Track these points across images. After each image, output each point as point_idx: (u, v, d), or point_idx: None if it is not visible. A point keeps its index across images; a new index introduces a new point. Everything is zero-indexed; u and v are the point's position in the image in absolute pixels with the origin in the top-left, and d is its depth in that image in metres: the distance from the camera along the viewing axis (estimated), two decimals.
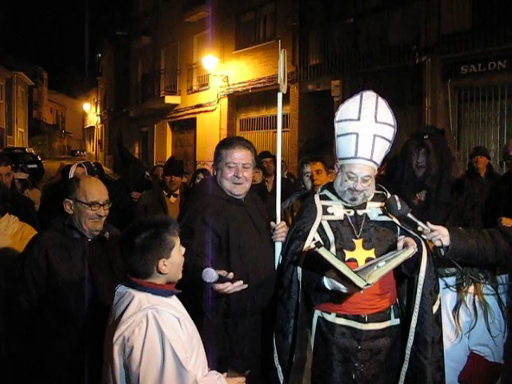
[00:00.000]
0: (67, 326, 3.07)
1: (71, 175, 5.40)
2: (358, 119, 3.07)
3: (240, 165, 3.27)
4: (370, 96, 3.14)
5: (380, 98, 3.14)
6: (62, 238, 3.17)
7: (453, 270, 3.32)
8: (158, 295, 2.39)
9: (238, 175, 3.26)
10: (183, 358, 2.25)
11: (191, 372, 2.26)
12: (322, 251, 2.69)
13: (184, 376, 2.23)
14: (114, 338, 2.28)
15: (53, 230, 3.21)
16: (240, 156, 3.29)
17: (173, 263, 2.43)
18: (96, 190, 3.21)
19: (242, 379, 2.56)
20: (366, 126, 3.04)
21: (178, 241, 2.46)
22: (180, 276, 2.52)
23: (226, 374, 2.52)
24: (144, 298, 2.35)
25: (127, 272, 2.46)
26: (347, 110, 3.13)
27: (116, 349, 2.28)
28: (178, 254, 2.45)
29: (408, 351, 3.00)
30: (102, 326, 2.51)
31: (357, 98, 3.13)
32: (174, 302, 2.47)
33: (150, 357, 2.22)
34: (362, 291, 2.75)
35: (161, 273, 2.40)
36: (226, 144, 3.37)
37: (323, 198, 3.22)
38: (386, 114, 3.12)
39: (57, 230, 3.19)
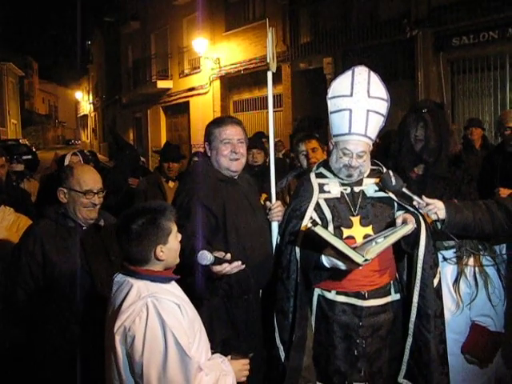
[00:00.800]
0: (65, 315, 3.07)
1: (66, 164, 5.39)
2: (351, 95, 3.04)
3: (235, 140, 3.29)
4: (361, 71, 3.10)
5: (372, 73, 3.11)
6: (56, 227, 3.15)
7: (452, 243, 3.33)
8: (156, 282, 2.37)
9: (236, 150, 3.27)
10: (185, 345, 2.24)
11: (194, 358, 2.25)
12: (319, 229, 2.68)
13: (187, 363, 2.22)
14: (115, 328, 2.27)
15: (47, 220, 3.19)
16: (234, 132, 3.30)
17: (170, 249, 2.41)
18: (90, 179, 3.20)
19: (246, 361, 2.56)
20: (358, 102, 3.02)
21: (174, 227, 2.43)
22: (177, 261, 2.50)
23: (229, 356, 2.52)
24: (143, 286, 2.33)
25: (124, 260, 2.44)
26: (339, 86, 3.10)
27: (118, 339, 2.26)
28: (174, 239, 2.43)
29: (412, 325, 3.01)
30: (101, 314, 2.50)
31: (348, 73, 3.10)
32: (174, 287, 2.45)
33: (153, 345, 2.22)
34: (360, 267, 2.74)
35: (158, 259, 2.38)
36: (217, 122, 3.36)
37: (319, 175, 3.20)
38: (378, 88, 3.09)
39: (51, 220, 3.18)
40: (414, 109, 3.84)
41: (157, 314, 2.25)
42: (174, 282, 2.49)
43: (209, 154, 3.33)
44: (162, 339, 2.22)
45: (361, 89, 3.03)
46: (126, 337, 2.25)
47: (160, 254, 2.37)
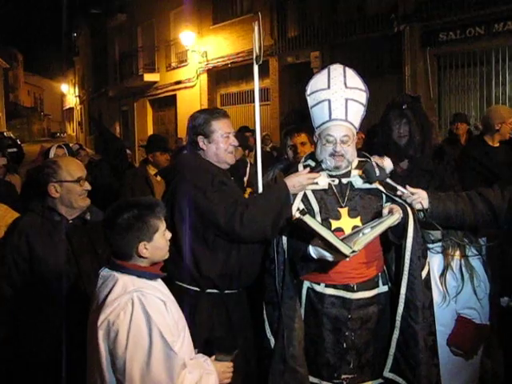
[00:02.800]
0: (51, 309, 3.04)
1: (51, 156, 5.35)
2: (328, 87, 3.11)
3: (232, 134, 3.32)
4: (337, 67, 3.19)
5: (347, 68, 3.18)
6: (42, 221, 3.13)
7: (438, 236, 3.35)
8: (142, 278, 2.34)
9: (234, 144, 3.32)
10: (171, 341, 2.22)
11: (180, 355, 2.23)
12: (307, 218, 2.68)
13: (172, 359, 2.19)
14: (99, 322, 2.23)
15: (32, 214, 3.17)
16: (229, 125, 3.34)
17: (155, 247, 2.37)
18: (77, 166, 3.23)
19: (230, 364, 2.54)
20: (336, 93, 3.08)
21: (162, 224, 2.39)
22: (166, 257, 2.46)
23: (213, 357, 2.51)
24: (129, 281, 2.31)
25: (111, 254, 2.42)
26: (317, 82, 3.18)
27: (101, 333, 2.22)
28: (161, 238, 2.39)
29: (399, 318, 3.02)
30: (86, 308, 2.46)
31: (324, 70, 3.20)
32: (160, 285, 2.43)
33: (137, 341, 2.18)
34: (347, 259, 2.75)
35: (140, 256, 2.35)
36: (214, 114, 3.32)
37: (307, 167, 3.21)
38: (355, 80, 3.15)
39: (37, 214, 3.15)
40: (394, 105, 3.85)
41: (142, 308, 2.22)
42: (160, 280, 2.46)
43: (204, 148, 3.28)
44: (147, 334, 2.19)
45: (337, 81, 3.11)
46: (110, 331, 2.21)
47: (143, 251, 2.34)
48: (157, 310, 2.25)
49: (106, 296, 2.28)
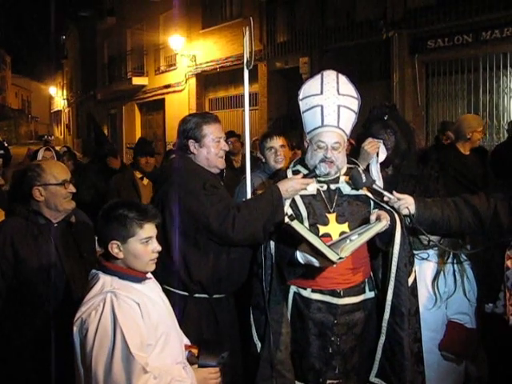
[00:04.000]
0: (38, 313, 3.02)
1: (39, 158, 5.32)
2: (321, 93, 3.11)
3: (223, 138, 3.33)
4: (330, 73, 3.19)
5: (340, 74, 3.19)
6: (27, 224, 3.10)
7: (432, 239, 3.36)
8: (125, 280, 2.36)
9: (225, 148, 3.34)
10: (134, 344, 2.21)
11: (139, 359, 2.21)
12: (295, 224, 2.68)
13: (131, 362, 2.19)
14: (74, 319, 2.28)
15: (17, 218, 3.15)
16: (220, 129, 3.35)
17: (128, 252, 2.37)
18: (61, 169, 3.22)
19: (214, 370, 2.54)
20: (329, 99, 3.08)
21: (143, 233, 2.38)
22: (147, 269, 2.45)
23: (196, 365, 2.51)
24: (108, 281, 2.33)
25: (101, 255, 2.45)
26: (309, 87, 3.18)
27: (75, 330, 2.28)
28: (137, 244, 2.38)
29: (385, 324, 3.03)
30: (72, 311, 2.45)
31: (318, 76, 3.19)
32: (146, 287, 2.43)
33: (102, 341, 2.21)
34: (334, 265, 2.75)
35: (113, 256, 2.37)
36: (205, 119, 3.32)
37: (296, 173, 3.21)
38: (347, 87, 3.16)
39: (21, 217, 3.13)
40: (375, 118, 3.86)
41: (111, 309, 2.24)
42: (150, 282, 2.47)
43: (195, 152, 3.27)
44: (112, 335, 2.21)
45: (330, 87, 3.11)
46: (82, 329, 2.26)
47: (114, 250, 2.36)
48: (126, 311, 2.26)
49: (86, 294, 2.33)
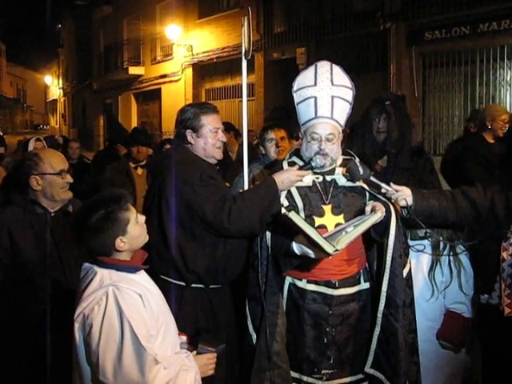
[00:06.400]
0: (33, 302, 3.02)
1: (30, 149, 5.30)
2: (315, 84, 3.09)
3: (220, 129, 3.31)
4: (324, 64, 3.17)
5: (334, 65, 3.17)
6: (24, 214, 3.10)
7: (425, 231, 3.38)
8: (122, 271, 2.33)
9: (223, 139, 3.32)
10: (143, 336, 2.20)
11: (150, 350, 2.21)
12: (293, 215, 2.68)
13: (142, 353, 2.18)
14: (75, 316, 2.24)
15: (14, 207, 3.13)
16: (218, 120, 3.32)
17: (131, 238, 2.36)
18: (59, 159, 3.20)
19: (212, 356, 2.54)
20: (323, 90, 3.06)
21: (132, 214, 2.37)
22: (145, 241, 2.45)
23: (194, 352, 2.50)
24: (106, 275, 2.30)
25: (88, 252, 2.40)
26: (303, 78, 3.16)
27: (76, 326, 2.24)
28: (135, 227, 2.37)
29: (380, 315, 3.04)
30: (69, 300, 2.45)
31: (311, 67, 3.18)
32: (141, 278, 2.42)
33: (109, 335, 2.18)
34: (330, 257, 2.76)
35: (119, 250, 2.34)
36: (203, 109, 3.30)
37: (291, 164, 3.21)
38: (341, 77, 3.14)
39: (18, 207, 3.12)
40: (377, 101, 3.88)
41: (115, 303, 2.21)
42: (143, 272, 2.45)
43: (192, 142, 3.26)
44: (119, 329, 2.19)
45: (324, 78, 3.09)
46: (85, 325, 2.22)
47: (120, 246, 2.33)
48: (131, 303, 2.24)
49: (84, 289, 2.29)
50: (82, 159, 7.83)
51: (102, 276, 2.30)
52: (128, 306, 2.22)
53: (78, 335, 2.25)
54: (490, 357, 3.37)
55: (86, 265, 2.40)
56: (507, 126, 5.81)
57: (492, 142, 5.62)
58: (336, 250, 2.68)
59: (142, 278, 2.43)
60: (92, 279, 2.30)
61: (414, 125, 4.06)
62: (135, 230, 2.38)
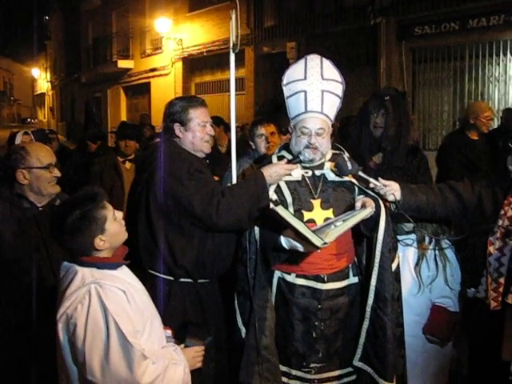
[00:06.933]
0: (20, 296, 3.00)
1: (18, 143, 5.25)
2: (305, 78, 3.08)
3: (209, 123, 3.29)
4: (314, 58, 3.17)
5: (324, 59, 3.16)
6: (11, 208, 3.07)
7: (411, 226, 3.39)
8: (103, 269, 2.31)
9: (209, 133, 3.29)
10: (128, 332, 2.19)
11: (137, 346, 2.20)
12: (280, 209, 2.68)
13: (129, 350, 2.17)
14: (58, 316, 2.22)
15: (0, 201, 3.10)
16: (207, 113, 3.31)
17: (110, 235, 2.34)
18: (46, 153, 3.18)
19: (200, 348, 2.54)
20: (312, 84, 3.06)
21: (109, 211, 2.35)
22: (125, 238, 2.44)
23: (182, 345, 2.50)
24: (88, 273, 2.28)
25: (68, 253, 2.38)
26: (293, 72, 3.15)
27: (60, 326, 2.22)
28: (113, 224, 2.36)
29: (368, 309, 3.05)
30: (56, 296, 2.43)
31: (301, 61, 3.17)
32: (123, 273, 2.40)
33: (94, 333, 2.17)
34: (319, 250, 2.76)
35: (99, 249, 2.33)
36: (192, 103, 3.29)
37: (281, 158, 3.21)
38: (331, 71, 3.14)
39: (5, 201, 3.09)
40: (376, 95, 3.87)
41: (99, 300, 2.20)
42: (124, 268, 2.44)
43: (180, 136, 3.25)
44: (104, 326, 2.17)
45: (314, 72, 3.09)
46: (69, 324, 2.21)
47: (100, 245, 2.31)
48: (115, 300, 2.23)
49: (66, 289, 2.27)
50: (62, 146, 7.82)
51: (84, 274, 2.27)
52: (112, 303, 2.20)
53: (62, 335, 2.23)
54: (477, 350, 3.39)
55: (66, 264, 2.37)
56: (490, 122, 5.88)
57: (475, 138, 5.67)
58: (324, 244, 2.68)
59: (125, 274, 2.41)
60: (73, 278, 2.27)
61: (412, 122, 4.04)
62: (113, 228, 2.36)
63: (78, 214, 2.26)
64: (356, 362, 3.11)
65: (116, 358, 2.16)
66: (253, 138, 4.40)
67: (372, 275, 3.04)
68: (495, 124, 9.09)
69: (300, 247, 2.81)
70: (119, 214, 2.42)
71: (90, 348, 2.16)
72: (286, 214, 2.70)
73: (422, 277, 3.44)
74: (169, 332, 2.54)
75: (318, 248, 2.70)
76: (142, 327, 2.31)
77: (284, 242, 2.88)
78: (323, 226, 2.88)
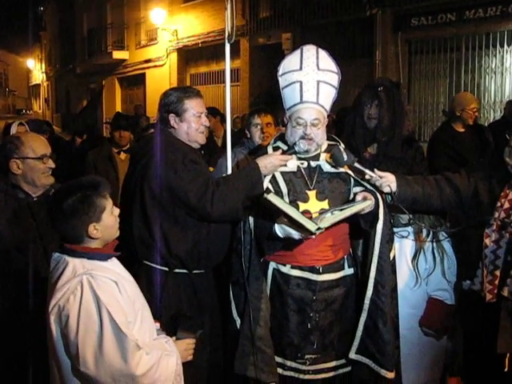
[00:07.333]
0: (15, 287, 2.98)
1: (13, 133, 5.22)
2: (301, 69, 3.07)
3: (204, 113, 3.27)
4: (310, 48, 3.16)
5: (320, 49, 3.15)
6: (6, 198, 3.06)
7: (407, 218, 3.38)
8: (93, 260, 2.30)
9: (206, 124, 3.29)
10: (122, 322, 2.18)
11: (131, 336, 2.19)
12: (271, 197, 2.67)
13: (123, 340, 2.16)
14: (50, 308, 2.20)
15: None
16: (202, 104, 3.29)
17: (105, 226, 2.33)
18: (41, 143, 3.16)
19: (192, 341, 2.53)
20: (308, 75, 3.05)
21: (109, 203, 2.35)
22: (116, 235, 2.43)
23: (174, 337, 2.50)
24: (79, 264, 2.26)
25: (60, 238, 2.36)
26: (289, 62, 3.14)
27: (52, 318, 2.20)
28: (109, 216, 2.35)
29: (367, 301, 3.05)
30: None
31: (297, 51, 3.16)
32: (113, 265, 2.39)
33: (87, 324, 2.15)
34: (314, 236, 2.75)
35: (92, 237, 2.31)
36: (187, 93, 3.27)
37: (276, 149, 3.19)
38: (327, 62, 3.13)
39: (0, 191, 3.07)
40: (370, 86, 3.86)
41: (91, 291, 2.18)
42: (114, 260, 2.42)
43: (175, 126, 3.23)
44: (97, 317, 2.16)
45: (310, 63, 3.08)
46: (61, 316, 2.19)
47: (93, 233, 2.30)
48: (107, 291, 2.21)
49: (57, 280, 2.25)
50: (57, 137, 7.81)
51: (75, 265, 2.26)
52: (104, 294, 2.19)
53: (54, 328, 2.21)
54: (472, 342, 3.40)
55: (56, 255, 2.35)
56: (476, 114, 5.87)
57: (462, 130, 5.66)
58: (319, 229, 2.67)
59: (115, 265, 2.40)
60: (64, 269, 2.26)
61: (406, 112, 4.02)
62: (109, 220, 2.35)
63: (78, 197, 2.26)
64: (352, 355, 3.10)
65: (110, 349, 2.15)
66: (249, 127, 4.40)
67: (371, 267, 3.04)
68: (484, 116, 9.10)
69: (295, 234, 2.80)
70: (116, 211, 2.41)
71: (83, 339, 2.15)
72: (278, 201, 2.69)
73: (419, 270, 3.43)
74: (157, 325, 2.54)
75: (312, 234, 2.70)
76: (134, 318, 2.30)
77: (278, 230, 2.88)
78: (320, 214, 2.88)
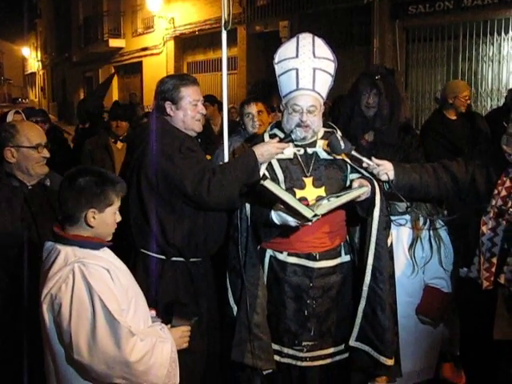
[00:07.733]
0: (9, 276, 2.97)
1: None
2: (297, 56, 3.08)
3: (200, 101, 3.26)
4: (306, 36, 3.16)
5: (316, 37, 3.15)
6: (0, 186, 3.04)
7: (405, 206, 3.39)
8: (85, 248, 2.29)
9: (201, 111, 3.26)
10: (114, 310, 2.17)
11: (124, 323, 2.18)
12: (268, 183, 2.67)
13: (116, 327, 2.15)
14: (42, 296, 2.20)
15: None
16: (198, 92, 3.27)
17: (103, 220, 2.32)
18: (37, 132, 3.13)
19: (187, 328, 2.53)
20: (304, 62, 3.05)
21: (117, 203, 2.35)
22: (110, 237, 2.41)
23: (169, 325, 2.49)
24: (70, 252, 2.25)
25: (54, 225, 2.35)
26: (285, 50, 3.15)
27: (44, 307, 2.20)
28: (111, 214, 2.34)
29: (366, 288, 3.06)
30: None
31: (293, 39, 3.16)
32: (105, 254, 2.38)
33: (80, 312, 2.14)
34: (310, 223, 2.76)
35: (87, 224, 2.30)
36: (183, 81, 3.25)
37: (273, 136, 3.19)
38: (323, 50, 3.13)
39: None
40: (367, 74, 3.84)
41: (83, 279, 2.17)
42: (106, 249, 2.41)
43: (171, 114, 3.21)
44: (90, 305, 2.16)
45: (306, 50, 3.08)
46: (53, 305, 2.18)
47: (91, 220, 2.28)
48: (99, 278, 2.21)
49: (49, 269, 2.24)
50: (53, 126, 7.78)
51: (66, 254, 2.25)
52: (96, 281, 2.18)
53: (47, 316, 2.20)
54: (469, 329, 3.41)
55: (48, 244, 2.34)
56: (469, 101, 5.85)
57: (454, 118, 5.65)
58: (315, 216, 2.68)
59: (107, 254, 2.39)
60: (56, 258, 2.25)
61: (403, 99, 4.02)
62: (109, 217, 2.34)
63: (96, 180, 2.27)
64: (352, 343, 3.12)
65: (103, 336, 2.14)
66: (242, 117, 4.42)
67: (369, 254, 3.05)
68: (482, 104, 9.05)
69: (291, 221, 2.80)
70: (118, 217, 2.40)
71: (76, 327, 2.14)
72: (275, 188, 2.69)
73: (416, 258, 3.44)
74: (153, 312, 2.54)
75: (309, 220, 2.70)
76: (127, 306, 2.29)
77: (275, 217, 2.88)
78: (317, 201, 2.88)
